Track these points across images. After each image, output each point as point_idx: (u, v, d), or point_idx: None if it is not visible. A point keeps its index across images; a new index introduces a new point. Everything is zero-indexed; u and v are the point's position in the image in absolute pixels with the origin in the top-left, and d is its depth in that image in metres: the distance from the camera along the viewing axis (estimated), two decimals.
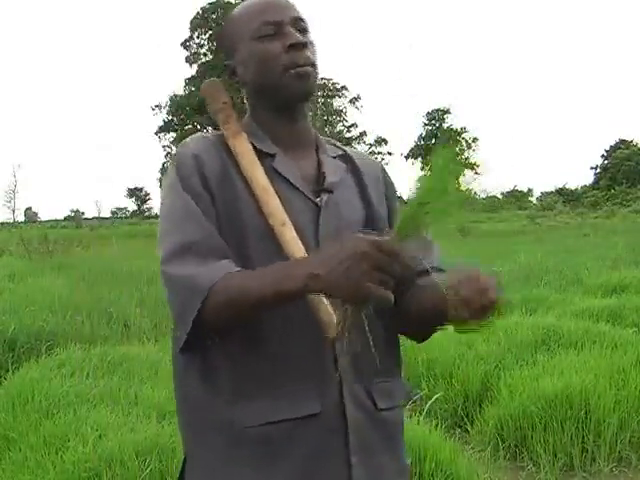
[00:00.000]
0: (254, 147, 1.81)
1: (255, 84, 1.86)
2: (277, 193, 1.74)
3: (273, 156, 1.83)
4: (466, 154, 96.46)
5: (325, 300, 1.62)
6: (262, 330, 1.70)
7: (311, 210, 1.80)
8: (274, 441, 1.68)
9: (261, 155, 1.81)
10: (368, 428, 1.78)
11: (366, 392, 1.79)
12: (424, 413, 5.41)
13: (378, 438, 1.81)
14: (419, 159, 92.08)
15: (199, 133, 1.91)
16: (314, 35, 1.89)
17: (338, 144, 2.03)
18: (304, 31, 1.86)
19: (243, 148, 1.80)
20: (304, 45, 1.83)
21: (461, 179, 1.54)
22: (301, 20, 1.87)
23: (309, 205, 1.81)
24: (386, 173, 2.07)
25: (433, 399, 5.85)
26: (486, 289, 1.62)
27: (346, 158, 1.97)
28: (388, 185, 2.03)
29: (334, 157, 1.94)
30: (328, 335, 1.61)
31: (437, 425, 5.22)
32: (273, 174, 1.79)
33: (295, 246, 1.69)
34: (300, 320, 1.68)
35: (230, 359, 1.71)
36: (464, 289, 1.62)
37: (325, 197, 1.83)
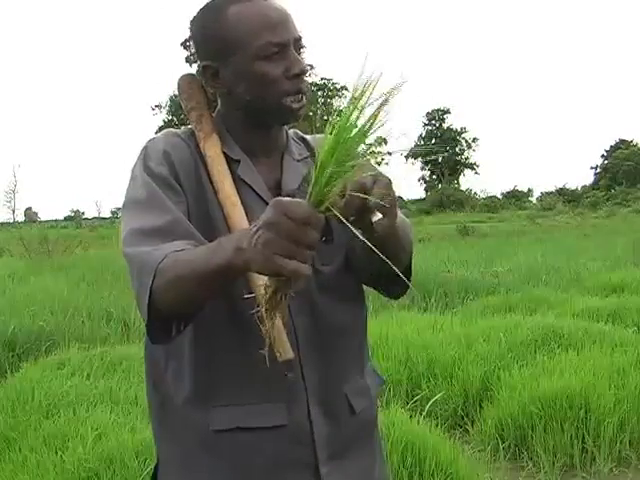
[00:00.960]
0: (222, 150, 1.78)
1: (244, 99, 1.77)
2: (242, 200, 1.71)
3: (238, 162, 1.79)
4: (466, 154, 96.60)
5: (279, 323, 1.50)
6: (233, 343, 1.69)
7: None
8: (242, 447, 1.69)
9: (227, 159, 1.77)
10: (341, 436, 1.78)
11: (342, 397, 1.79)
12: (424, 413, 5.41)
13: (352, 443, 1.81)
14: (419, 159, 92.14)
15: (170, 129, 1.86)
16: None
17: (302, 135, 1.98)
18: (300, 49, 1.79)
19: (212, 152, 1.77)
20: (305, 73, 1.78)
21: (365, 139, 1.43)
22: (300, 39, 1.79)
23: None
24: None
25: (433, 399, 5.85)
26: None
27: (311, 158, 1.88)
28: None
29: (298, 160, 1.89)
30: (284, 358, 1.54)
31: (437, 425, 5.22)
32: (238, 181, 1.76)
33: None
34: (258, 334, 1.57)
35: (202, 370, 1.70)
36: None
37: None
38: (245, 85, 1.76)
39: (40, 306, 9.96)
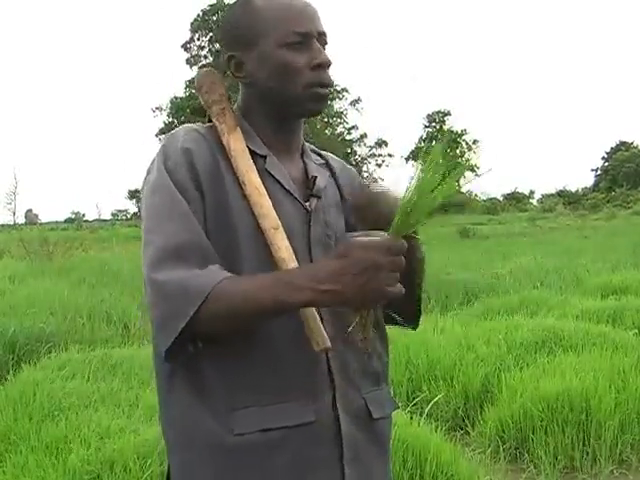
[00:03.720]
0: (246, 146, 1.77)
1: (267, 88, 1.78)
2: (269, 195, 1.71)
3: (264, 157, 1.79)
4: (467, 156, 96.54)
5: (315, 312, 1.62)
6: (254, 342, 1.67)
7: (301, 214, 1.78)
8: (266, 449, 1.65)
9: (253, 155, 1.77)
10: (362, 438, 1.77)
11: (361, 401, 1.78)
12: (424, 415, 5.41)
13: (370, 448, 1.80)
14: (419, 161, 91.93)
15: (189, 124, 1.82)
16: None
17: (317, 150, 2.01)
18: (325, 44, 1.82)
19: (238, 146, 1.75)
20: (329, 65, 1.79)
21: (457, 177, 1.56)
22: (324, 34, 1.82)
23: (299, 209, 1.78)
24: (361, 180, 2.05)
25: (434, 401, 5.85)
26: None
27: (327, 166, 1.96)
28: (355, 177, 2.04)
29: (317, 164, 1.92)
30: (322, 347, 1.61)
31: (438, 427, 5.22)
32: (265, 175, 1.75)
33: (286, 251, 1.66)
34: (292, 331, 1.66)
35: (222, 372, 1.67)
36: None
37: (314, 202, 1.81)
38: (268, 73, 1.77)
39: (40, 308, 9.95)
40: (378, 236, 1.55)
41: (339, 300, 1.53)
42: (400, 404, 5.73)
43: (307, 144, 1.96)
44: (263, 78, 1.78)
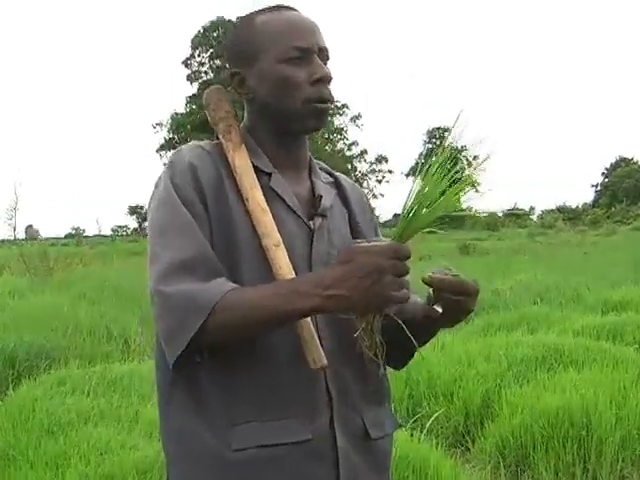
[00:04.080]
0: (251, 163, 1.78)
1: (267, 104, 1.81)
2: (272, 213, 1.72)
3: (269, 175, 1.80)
4: (467, 172, 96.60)
5: (312, 330, 1.64)
6: (254, 358, 1.68)
7: (304, 233, 1.79)
8: (263, 464, 1.66)
9: (258, 172, 1.78)
10: (358, 458, 1.76)
11: (359, 420, 1.78)
12: (425, 431, 5.41)
13: (367, 468, 1.79)
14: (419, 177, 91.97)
15: (194, 142, 1.84)
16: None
17: (328, 169, 2.01)
18: (326, 60, 1.83)
19: (242, 163, 1.76)
20: (329, 80, 1.80)
21: (458, 190, 1.57)
22: (326, 50, 1.83)
23: (302, 228, 1.79)
24: (368, 200, 2.08)
25: (434, 417, 5.85)
26: (469, 294, 1.72)
27: (336, 185, 1.96)
28: (371, 212, 2.05)
29: (325, 183, 1.93)
30: (319, 365, 1.62)
31: (438, 443, 5.21)
32: (269, 193, 1.76)
33: (287, 269, 1.67)
34: (291, 349, 1.67)
35: (221, 387, 1.68)
36: (450, 292, 1.70)
37: (318, 221, 1.82)
38: (268, 88, 1.79)
39: (41, 323, 9.95)
40: (382, 242, 1.57)
41: (344, 305, 1.55)
42: (400, 420, 5.73)
43: (316, 161, 1.97)
44: (264, 94, 1.80)
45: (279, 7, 1.86)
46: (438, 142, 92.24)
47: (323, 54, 1.82)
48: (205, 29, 67.48)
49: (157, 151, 69.43)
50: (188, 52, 69.27)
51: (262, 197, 1.73)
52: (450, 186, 1.56)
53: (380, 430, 1.83)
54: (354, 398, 1.77)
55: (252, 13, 1.86)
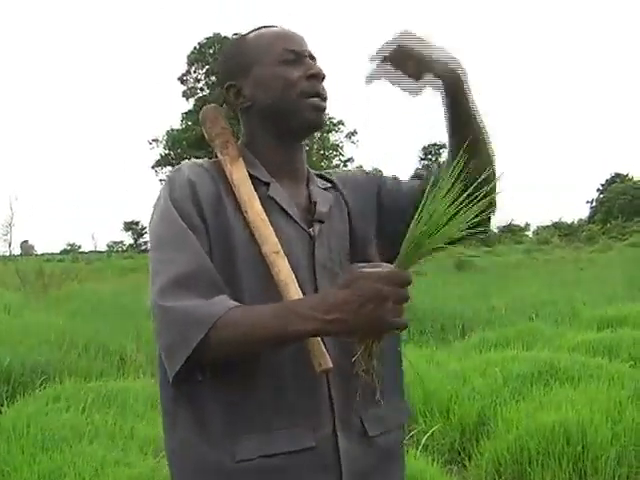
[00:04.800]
0: (249, 174, 1.81)
1: (266, 105, 1.86)
2: (271, 222, 1.75)
3: (267, 185, 1.83)
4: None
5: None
6: (256, 369, 1.70)
7: (304, 240, 1.82)
8: (267, 474, 1.67)
9: (256, 183, 1.81)
10: (361, 457, 1.78)
11: (357, 420, 1.79)
12: (420, 447, 5.40)
13: (372, 465, 1.81)
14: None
15: (193, 160, 1.89)
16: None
17: (325, 175, 2.04)
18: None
19: (240, 174, 1.80)
20: (323, 78, 1.87)
21: (464, 219, 1.57)
22: (315, 58, 1.91)
23: (302, 235, 1.82)
24: (369, 174, 2.10)
25: (429, 433, 5.84)
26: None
27: (334, 188, 1.99)
28: (374, 184, 2.05)
29: (324, 189, 1.95)
30: (324, 368, 1.63)
31: (434, 460, 5.20)
32: (268, 202, 1.80)
33: (287, 274, 1.69)
34: (293, 357, 1.69)
35: (223, 404, 1.70)
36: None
37: (317, 227, 1.85)
38: (265, 90, 1.85)
39: (36, 339, 9.92)
40: (384, 268, 1.57)
41: (344, 329, 1.56)
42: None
43: (313, 171, 2.00)
44: (262, 97, 1.86)
45: (267, 26, 1.94)
46: (433, 159, 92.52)
47: (314, 60, 1.90)
48: (201, 45, 67.53)
49: (153, 167, 69.27)
50: (184, 68, 69.33)
51: (260, 207, 1.76)
52: (456, 214, 1.55)
53: (380, 426, 1.85)
54: (356, 402, 1.78)
55: (241, 35, 1.95)
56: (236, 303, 1.64)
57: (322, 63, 1.90)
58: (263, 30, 1.92)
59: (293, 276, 1.70)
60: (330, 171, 2.08)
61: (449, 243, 1.62)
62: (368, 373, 1.62)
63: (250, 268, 1.72)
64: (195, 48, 68.78)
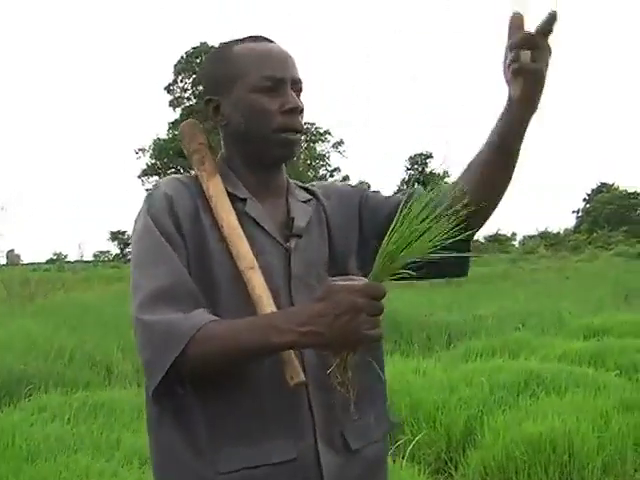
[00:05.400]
0: (226, 190, 1.82)
1: (240, 131, 1.85)
2: (248, 237, 1.76)
3: (244, 200, 1.83)
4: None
5: (290, 350, 1.65)
6: (237, 383, 1.70)
7: (281, 254, 1.82)
8: None
9: (233, 199, 1.81)
10: (344, 470, 1.78)
11: (339, 434, 1.79)
12: (407, 457, 5.39)
13: (356, 478, 1.81)
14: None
15: (172, 175, 1.90)
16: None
17: (307, 185, 2.04)
18: (299, 92, 1.88)
19: (217, 190, 1.81)
20: (300, 111, 1.84)
21: (438, 233, 1.57)
22: (299, 81, 1.88)
23: (279, 250, 1.82)
24: (354, 187, 2.08)
25: (415, 440, 5.83)
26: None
27: (315, 200, 1.98)
28: (357, 196, 2.03)
29: (303, 202, 1.95)
30: (297, 381, 1.64)
31: (421, 470, 5.20)
32: (245, 218, 1.80)
33: (263, 290, 1.70)
34: (273, 370, 1.68)
35: (206, 413, 1.70)
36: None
37: (294, 242, 1.85)
38: (240, 116, 1.84)
39: (21, 349, 9.89)
40: (359, 281, 1.59)
41: (319, 341, 1.57)
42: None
43: (294, 181, 2.00)
44: (236, 122, 1.85)
45: (256, 38, 1.90)
46: (420, 169, 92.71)
47: (296, 86, 1.87)
48: (188, 55, 67.44)
49: (139, 177, 68.99)
50: (171, 78, 69.29)
51: (237, 222, 1.77)
52: (429, 228, 1.56)
53: (363, 439, 1.84)
54: (336, 413, 1.78)
55: (229, 42, 1.91)
56: (213, 317, 1.65)
57: (308, 82, 1.89)
58: (249, 45, 1.87)
59: (268, 292, 1.71)
60: (315, 183, 2.07)
61: (428, 263, 1.60)
62: (343, 385, 1.62)
63: (227, 283, 1.74)
64: (182, 57, 68.77)
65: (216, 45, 2.02)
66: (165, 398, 1.69)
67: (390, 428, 1.98)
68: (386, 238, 1.58)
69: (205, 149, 1.89)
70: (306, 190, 2.02)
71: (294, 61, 1.89)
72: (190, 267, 1.72)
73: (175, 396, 1.69)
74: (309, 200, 1.97)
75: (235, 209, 1.79)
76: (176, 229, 1.74)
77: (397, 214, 1.58)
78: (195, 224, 1.76)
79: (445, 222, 1.56)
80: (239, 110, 1.84)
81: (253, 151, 1.86)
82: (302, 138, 1.89)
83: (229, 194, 1.82)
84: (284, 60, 1.86)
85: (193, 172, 1.89)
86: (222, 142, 1.93)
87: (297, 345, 1.61)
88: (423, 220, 1.56)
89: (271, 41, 1.91)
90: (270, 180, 1.90)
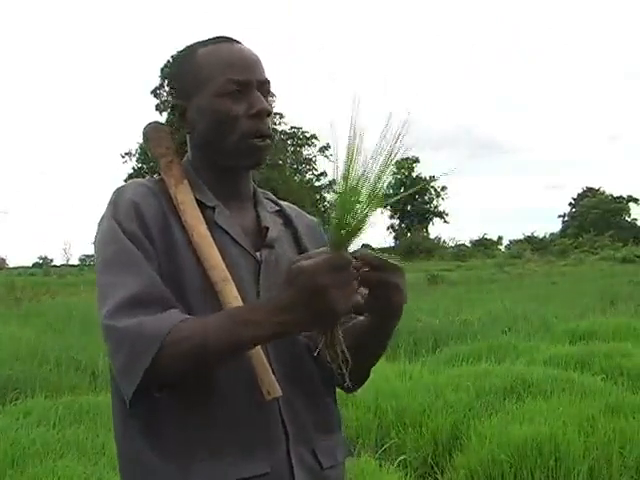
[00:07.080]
0: (195, 197, 1.76)
1: (205, 139, 1.79)
2: (218, 247, 1.70)
3: (213, 209, 1.78)
4: (435, 202, 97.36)
5: (265, 362, 1.62)
6: (210, 395, 1.66)
7: (251, 265, 1.77)
8: None
9: (201, 206, 1.76)
10: None
11: (310, 452, 1.77)
12: (394, 462, 5.39)
13: None
14: (387, 207, 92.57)
15: (137, 179, 1.82)
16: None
17: (273, 197, 2.00)
18: (267, 93, 1.81)
19: (185, 198, 1.74)
20: (268, 114, 1.78)
21: (380, 190, 1.53)
22: (267, 83, 1.81)
23: (249, 260, 1.77)
24: (320, 227, 2.05)
25: (386, 446, 5.83)
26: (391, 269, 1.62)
27: (281, 213, 1.95)
28: (319, 227, 2.03)
29: (271, 212, 1.91)
30: (273, 396, 1.62)
31: (407, 474, 5.20)
32: (214, 227, 1.74)
33: (235, 302, 1.65)
34: (246, 384, 1.65)
35: (177, 425, 1.65)
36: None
37: (265, 252, 1.80)
38: (206, 122, 1.77)
39: (7, 354, 9.86)
40: (320, 254, 1.53)
41: (297, 329, 1.57)
42: (369, 451, 5.72)
43: (260, 190, 1.95)
44: (202, 128, 1.78)
45: (220, 39, 1.84)
46: (406, 173, 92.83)
47: (263, 88, 1.80)
48: (174, 59, 67.46)
49: (125, 180, 68.77)
50: (157, 82, 69.23)
51: (207, 231, 1.71)
52: (375, 187, 1.51)
53: (332, 459, 1.82)
54: (307, 429, 1.76)
55: (193, 45, 1.85)
56: (186, 316, 1.60)
57: (281, 85, 1.81)
58: (214, 47, 1.81)
59: (240, 301, 1.66)
60: (283, 203, 2.02)
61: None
62: (335, 361, 1.59)
63: (197, 290, 1.68)
64: (168, 61, 68.72)
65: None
66: (142, 401, 1.62)
67: (348, 454, 1.95)
68: (333, 206, 1.52)
69: (172, 153, 1.82)
70: (273, 202, 1.98)
71: (260, 61, 1.83)
72: (161, 274, 1.66)
73: (152, 399, 1.63)
74: (278, 211, 1.94)
75: (204, 217, 1.74)
76: (144, 235, 1.68)
77: (339, 181, 1.51)
78: (164, 230, 1.70)
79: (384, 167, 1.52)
80: (204, 116, 1.77)
81: (219, 158, 1.80)
82: (270, 144, 1.82)
83: (197, 201, 1.76)
84: (249, 61, 1.80)
85: (157, 176, 1.84)
86: (189, 148, 1.87)
87: (274, 337, 1.57)
88: (365, 180, 1.50)
89: (237, 42, 1.84)
90: (238, 187, 1.85)
